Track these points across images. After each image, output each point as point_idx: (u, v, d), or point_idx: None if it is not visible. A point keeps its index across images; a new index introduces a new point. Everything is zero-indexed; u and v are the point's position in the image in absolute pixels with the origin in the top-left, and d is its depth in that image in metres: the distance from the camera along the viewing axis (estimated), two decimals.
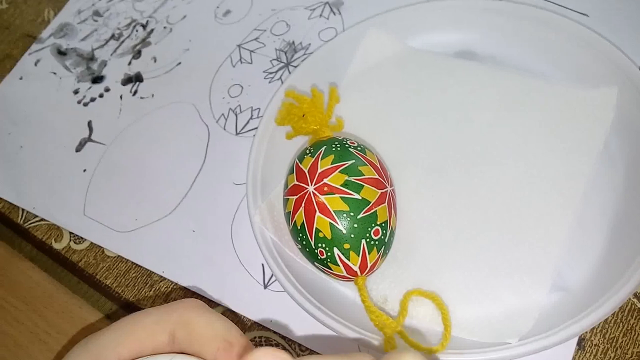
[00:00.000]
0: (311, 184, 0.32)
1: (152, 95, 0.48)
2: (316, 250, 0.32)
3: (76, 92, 0.50)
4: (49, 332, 0.39)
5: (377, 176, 0.33)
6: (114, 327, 0.26)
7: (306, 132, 0.38)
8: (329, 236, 0.32)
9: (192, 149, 0.45)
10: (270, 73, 0.47)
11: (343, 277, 0.33)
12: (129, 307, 0.39)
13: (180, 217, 0.42)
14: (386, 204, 0.33)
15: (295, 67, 0.46)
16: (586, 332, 0.32)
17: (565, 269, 0.33)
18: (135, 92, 0.49)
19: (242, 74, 0.48)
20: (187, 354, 0.25)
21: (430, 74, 0.41)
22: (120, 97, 0.49)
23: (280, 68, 0.47)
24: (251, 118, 0.45)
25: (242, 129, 0.45)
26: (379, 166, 0.34)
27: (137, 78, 0.50)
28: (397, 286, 0.34)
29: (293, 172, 0.34)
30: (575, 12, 0.42)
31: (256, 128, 0.44)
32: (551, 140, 0.37)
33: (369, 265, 0.32)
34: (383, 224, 0.32)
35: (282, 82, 0.46)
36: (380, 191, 0.33)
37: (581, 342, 0.32)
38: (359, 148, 0.34)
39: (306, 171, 0.33)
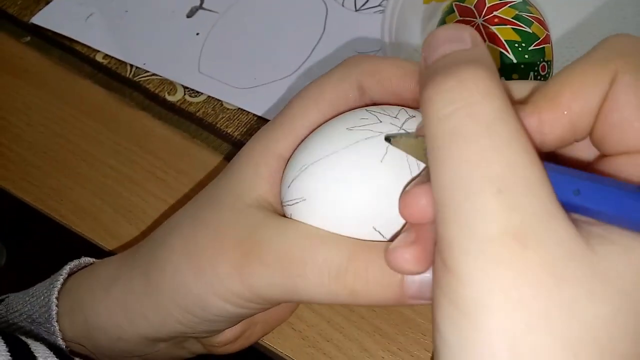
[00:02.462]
0: (480, 17, 0.32)
1: None
2: None
3: None
4: (167, 171, 0.38)
5: (542, 18, 0.33)
6: (299, 96, 0.26)
7: None
8: (498, 65, 0.31)
9: (310, 20, 0.44)
10: None
11: None
12: None
13: (302, 79, 0.41)
14: (551, 45, 0.33)
15: None
16: None
17: None
18: None
19: None
20: (379, 104, 0.25)
21: None
22: None
23: None
24: None
25: (362, 6, 0.45)
26: (541, 13, 0.34)
27: None
28: None
29: (454, 12, 0.34)
30: None
31: (378, 5, 0.44)
32: None
33: None
34: (549, 62, 0.32)
35: None
36: (546, 32, 0.33)
37: None
38: None
39: (472, 7, 0.33)
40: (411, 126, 0.22)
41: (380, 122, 0.22)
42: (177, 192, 0.37)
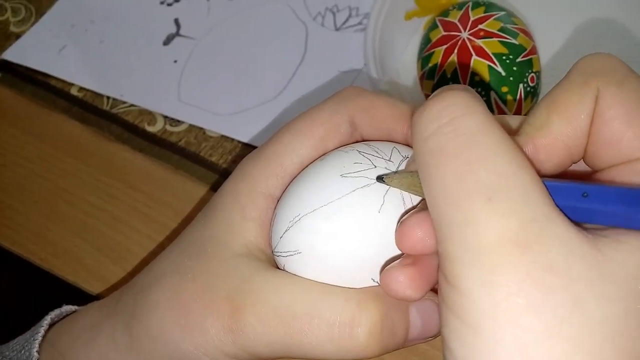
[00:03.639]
0: (465, 31, 0.32)
1: None
2: None
3: None
4: (150, 205, 0.37)
5: (527, 29, 0.33)
6: (288, 129, 0.24)
7: (432, 6, 0.37)
8: (486, 79, 0.31)
9: (291, 42, 0.43)
10: None
11: None
12: None
13: (287, 101, 0.40)
14: (538, 56, 0.32)
15: None
16: None
17: None
18: None
19: None
20: (369, 140, 0.24)
21: None
22: None
23: None
24: (350, 16, 0.44)
25: (342, 25, 0.44)
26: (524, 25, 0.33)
27: None
28: None
29: (437, 27, 0.33)
30: None
31: (358, 24, 0.44)
32: None
33: (522, 114, 0.31)
34: (537, 73, 0.32)
35: None
36: (532, 42, 0.32)
37: None
38: (504, 7, 0.34)
39: (456, 21, 0.32)
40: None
41: (375, 167, 0.21)
42: (163, 227, 0.36)
